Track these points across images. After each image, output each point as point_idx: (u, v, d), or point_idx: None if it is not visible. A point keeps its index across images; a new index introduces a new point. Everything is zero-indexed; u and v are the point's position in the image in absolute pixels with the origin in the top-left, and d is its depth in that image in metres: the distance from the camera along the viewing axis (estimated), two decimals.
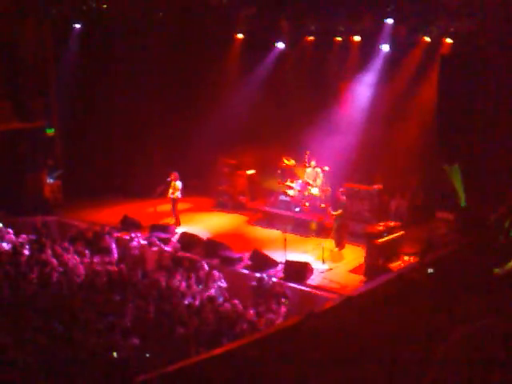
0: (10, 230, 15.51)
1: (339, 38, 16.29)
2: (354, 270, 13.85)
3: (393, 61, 15.98)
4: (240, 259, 14.32)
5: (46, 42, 19.04)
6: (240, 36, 17.63)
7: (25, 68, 18.62)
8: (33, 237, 15.26)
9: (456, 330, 6.52)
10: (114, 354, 9.39)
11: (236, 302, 11.71)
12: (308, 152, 16.47)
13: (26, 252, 14.18)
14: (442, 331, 7.23)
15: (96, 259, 13.88)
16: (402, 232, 14.13)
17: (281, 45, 17.39)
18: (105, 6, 17.72)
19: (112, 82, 18.78)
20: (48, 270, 12.96)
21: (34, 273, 12.83)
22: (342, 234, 14.79)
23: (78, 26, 18.78)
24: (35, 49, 18.78)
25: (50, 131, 19.31)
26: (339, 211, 14.68)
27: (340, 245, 14.74)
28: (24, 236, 15.23)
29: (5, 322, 10.42)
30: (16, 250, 14.33)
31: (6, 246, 14.73)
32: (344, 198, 14.87)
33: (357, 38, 16.13)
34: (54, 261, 13.43)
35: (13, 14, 17.90)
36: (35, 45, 18.77)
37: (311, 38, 16.79)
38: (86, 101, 19.25)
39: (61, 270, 13.04)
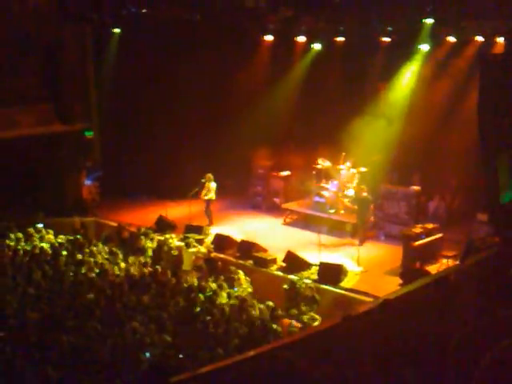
0: (50, 231, 15.78)
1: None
2: (389, 273, 13.64)
3: (433, 60, 15.73)
4: (274, 261, 14.26)
5: (86, 47, 19.39)
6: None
7: (66, 72, 18.96)
8: (71, 237, 15.50)
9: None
10: (147, 355, 9.45)
11: (270, 303, 11.67)
12: (344, 153, 16.33)
13: (65, 252, 14.42)
14: (484, 336, 7.05)
15: (131, 260, 13.99)
16: (440, 234, 13.88)
17: (317, 46, 17.27)
18: (144, 10, 17.90)
19: (149, 86, 18.95)
20: (85, 270, 13.13)
21: (72, 273, 13.01)
22: (362, 230, 14.87)
23: (117, 30, 19.05)
24: (76, 53, 19.14)
25: (89, 134, 19.62)
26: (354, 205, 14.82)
27: (360, 240, 14.77)
28: (63, 236, 15.48)
29: (42, 320, 10.58)
30: (55, 250, 14.58)
31: (45, 246, 14.98)
32: (365, 194, 14.74)
33: (395, 38, 15.93)
34: (91, 261, 13.61)
35: (55, 19, 18.25)
36: (76, 49, 19.13)
37: (349, 38, 16.63)
38: (123, 104, 19.48)
39: (97, 270, 13.19)
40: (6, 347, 9.37)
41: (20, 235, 15.18)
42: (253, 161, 18.47)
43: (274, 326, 10.57)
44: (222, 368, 7.55)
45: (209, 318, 10.87)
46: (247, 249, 14.65)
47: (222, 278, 13.05)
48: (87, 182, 19.28)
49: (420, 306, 8.96)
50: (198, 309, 11.27)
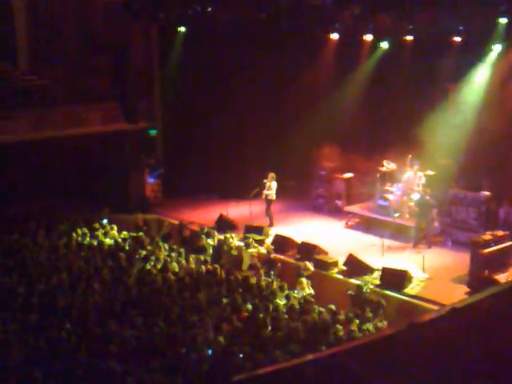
0: (114, 226, 16.04)
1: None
2: (456, 281, 13.15)
3: (506, 61, 15.09)
4: (335, 263, 13.99)
5: (152, 46, 19.67)
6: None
7: (132, 71, 19.29)
8: (134, 234, 15.71)
9: None
10: (209, 352, 9.41)
11: (332, 306, 11.43)
12: (410, 156, 15.88)
13: (127, 248, 14.63)
14: None
15: (192, 258, 14.02)
16: (510, 242, 13.29)
17: (385, 44, 16.87)
18: (209, 9, 17.97)
19: (213, 85, 19.02)
20: (147, 266, 13.26)
21: (134, 268, 13.16)
22: (420, 234, 14.69)
23: (182, 29, 19.21)
24: (142, 52, 19.44)
25: (153, 132, 19.89)
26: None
27: (415, 244, 14.60)
28: (126, 233, 15.71)
29: (106, 314, 10.72)
30: (118, 245, 14.81)
31: (109, 241, 15.25)
32: (428, 197, 14.59)
33: (466, 38, 15.36)
34: (153, 258, 13.73)
35: (123, 19, 18.59)
36: (143, 48, 19.44)
37: (418, 37, 16.15)
38: (187, 103, 19.63)
39: (159, 267, 13.29)
40: (71, 339, 9.54)
41: (86, 230, 15.51)
42: (316, 162, 18.22)
43: (336, 330, 10.33)
44: (283, 370, 7.39)
45: (268, 318, 10.74)
46: (308, 251, 14.43)
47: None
48: (150, 180, 19.56)
49: (490, 316, 8.54)
50: (259, 310, 11.14)
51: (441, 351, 7.22)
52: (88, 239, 15.22)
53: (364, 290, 12.46)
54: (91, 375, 8.32)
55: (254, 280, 12.59)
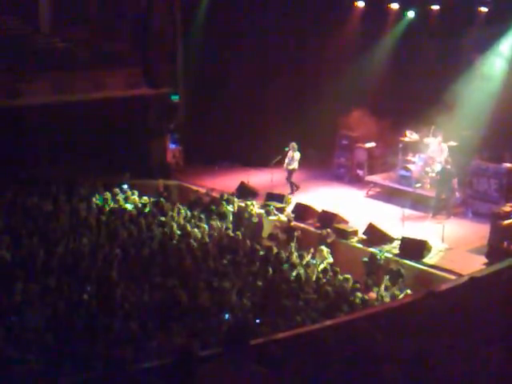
0: (135, 192, 16.20)
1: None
2: (475, 252, 13.17)
3: None
4: (355, 232, 14.06)
5: (175, 10, 19.50)
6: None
7: (155, 36, 19.18)
8: (155, 199, 15.85)
9: None
10: (226, 316, 9.59)
11: (347, 276, 11.54)
12: (433, 126, 15.76)
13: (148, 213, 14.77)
14: None
15: (213, 224, 14.15)
16: None
17: (411, 13, 16.62)
18: None
19: (236, 51, 18.93)
20: (167, 232, 13.41)
21: (157, 233, 13.31)
22: (440, 204, 14.69)
23: None
24: (165, 17, 19.29)
25: (175, 98, 19.86)
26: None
27: (434, 214, 14.55)
28: (146, 198, 15.86)
29: (128, 276, 10.92)
30: (138, 211, 14.97)
31: (129, 206, 15.42)
32: (449, 167, 14.65)
33: (493, 8, 15.08)
34: (174, 224, 13.87)
35: None
36: (165, 12, 19.27)
37: (444, 6, 15.88)
38: (210, 70, 19.55)
39: (179, 232, 13.45)
40: (91, 302, 9.72)
41: (107, 195, 15.67)
42: (338, 131, 18.16)
43: (353, 298, 10.45)
44: (301, 334, 7.56)
45: (287, 286, 10.89)
46: (328, 219, 14.49)
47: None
48: (171, 146, 19.62)
49: (508, 287, 8.59)
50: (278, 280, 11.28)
51: (458, 319, 7.32)
52: (110, 203, 15.35)
53: (378, 257, 12.55)
54: (110, 338, 8.46)
55: (275, 250, 12.68)
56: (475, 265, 12.38)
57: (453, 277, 11.85)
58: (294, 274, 11.57)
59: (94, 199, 15.43)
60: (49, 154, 18.28)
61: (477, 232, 13.94)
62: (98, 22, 19.49)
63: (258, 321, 9.49)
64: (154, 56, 19.15)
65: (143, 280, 10.79)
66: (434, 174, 15.59)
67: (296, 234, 13.92)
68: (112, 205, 15.31)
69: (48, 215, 14.01)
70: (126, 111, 19.03)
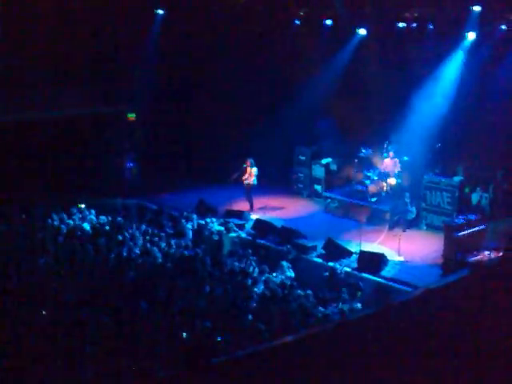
0: (93, 211, 16.01)
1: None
2: (430, 263, 13.49)
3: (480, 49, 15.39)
4: (314, 248, 14.23)
5: (129, 28, 19.43)
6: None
7: (111, 53, 19.07)
8: (112, 218, 15.68)
9: None
10: (184, 335, 9.56)
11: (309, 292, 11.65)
12: (387, 142, 16.15)
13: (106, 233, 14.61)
14: None
15: (172, 243, 14.10)
16: (483, 226, 13.65)
17: (362, 31, 17.02)
18: None
19: (192, 67, 18.99)
20: (126, 251, 13.29)
21: (112, 253, 13.18)
22: (395, 218, 15.07)
23: (160, 11, 19.10)
24: (122, 34, 19.20)
25: (132, 116, 19.78)
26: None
27: (390, 228, 14.89)
28: (104, 217, 15.69)
29: (86, 298, 10.78)
30: (96, 230, 14.78)
31: (87, 226, 15.20)
32: (400, 181, 15.26)
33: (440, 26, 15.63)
34: (131, 243, 13.76)
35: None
36: (122, 30, 19.20)
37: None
38: (165, 86, 19.53)
39: (137, 252, 13.35)
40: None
41: (63, 215, 15.42)
42: (294, 147, 18.39)
43: (315, 312, 10.57)
44: (263, 352, 7.60)
45: (246, 303, 10.92)
46: (287, 235, 14.64)
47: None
48: (129, 164, 19.51)
49: (463, 297, 8.83)
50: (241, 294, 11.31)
51: (415, 330, 7.50)
52: (65, 223, 15.10)
53: (339, 271, 12.75)
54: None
55: (235, 266, 12.70)
56: (431, 276, 12.69)
57: (410, 288, 12.12)
58: (256, 289, 11.62)
59: (49, 220, 15.18)
60: (3, 174, 17.92)
61: (431, 244, 14.29)
62: (54, 38, 19.24)
63: (219, 339, 9.50)
64: (111, 73, 19.05)
65: (101, 301, 10.66)
66: (388, 188, 15.94)
67: (257, 250, 13.99)
68: (69, 225, 15.08)
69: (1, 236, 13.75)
70: (83, 129, 18.85)
